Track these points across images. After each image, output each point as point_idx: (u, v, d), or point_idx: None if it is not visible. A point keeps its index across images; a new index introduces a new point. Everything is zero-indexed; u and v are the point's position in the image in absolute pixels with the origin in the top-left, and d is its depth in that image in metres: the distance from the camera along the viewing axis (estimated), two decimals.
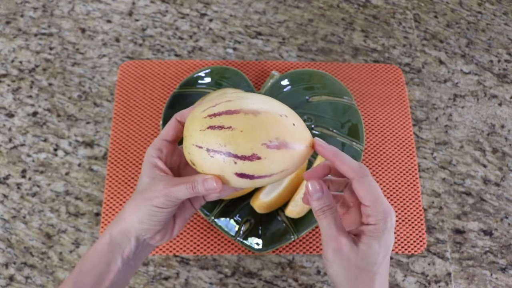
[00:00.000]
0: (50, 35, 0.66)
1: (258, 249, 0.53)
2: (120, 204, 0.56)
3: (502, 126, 0.64)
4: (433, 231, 0.57)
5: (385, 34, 0.69)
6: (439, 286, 0.54)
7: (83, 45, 0.65)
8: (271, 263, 0.54)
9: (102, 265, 0.36)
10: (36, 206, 0.56)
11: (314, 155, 0.57)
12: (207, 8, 0.69)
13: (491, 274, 0.55)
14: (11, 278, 0.52)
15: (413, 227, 0.57)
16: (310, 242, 0.55)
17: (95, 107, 0.61)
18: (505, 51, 0.69)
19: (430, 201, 0.59)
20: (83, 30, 0.66)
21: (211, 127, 0.32)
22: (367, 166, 0.60)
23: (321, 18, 0.70)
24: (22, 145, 0.59)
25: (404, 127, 0.63)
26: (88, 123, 0.60)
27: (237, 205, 0.55)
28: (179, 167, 0.39)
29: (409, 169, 0.60)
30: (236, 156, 0.31)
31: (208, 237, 0.55)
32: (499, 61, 0.69)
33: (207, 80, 0.60)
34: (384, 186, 0.59)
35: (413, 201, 0.58)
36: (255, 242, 0.53)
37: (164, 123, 0.56)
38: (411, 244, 0.56)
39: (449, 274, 0.55)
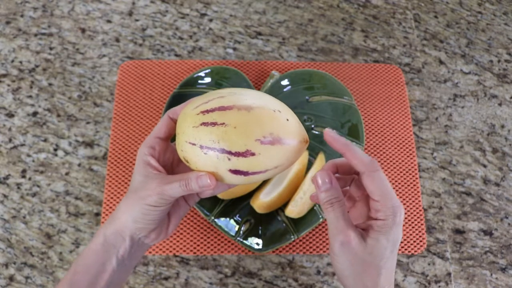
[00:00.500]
0: (50, 35, 0.66)
1: (258, 249, 0.53)
2: None
3: (502, 126, 0.64)
4: (433, 231, 0.57)
5: (385, 34, 0.69)
6: (439, 286, 0.54)
7: (83, 45, 0.65)
8: (271, 263, 0.54)
9: (97, 265, 0.36)
10: (36, 206, 0.56)
11: (314, 155, 0.57)
12: (207, 8, 0.69)
13: (491, 274, 0.55)
14: (11, 278, 0.52)
15: (413, 227, 0.57)
16: (310, 242, 0.55)
17: (95, 107, 0.61)
18: (505, 51, 0.69)
19: (430, 201, 0.59)
20: (83, 30, 0.66)
21: (204, 124, 0.31)
22: None
23: (321, 18, 0.70)
24: (22, 145, 0.59)
25: (404, 127, 0.63)
26: (88, 123, 0.60)
27: (237, 205, 0.55)
28: (172, 165, 0.39)
29: (409, 169, 0.60)
30: (230, 153, 0.31)
31: (208, 237, 0.55)
32: (499, 61, 0.69)
33: (207, 80, 0.60)
34: None
35: (413, 201, 0.58)
36: (255, 242, 0.53)
37: None
38: (411, 244, 0.56)
39: (449, 274, 0.55)
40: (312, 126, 0.59)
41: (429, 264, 0.55)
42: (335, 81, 0.60)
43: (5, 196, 0.56)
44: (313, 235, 0.56)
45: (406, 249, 0.56)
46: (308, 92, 0.61)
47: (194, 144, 0.32)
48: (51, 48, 0.65)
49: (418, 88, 0.66)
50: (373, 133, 0.62)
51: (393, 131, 0.62)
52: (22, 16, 0.67)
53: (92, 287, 0.35)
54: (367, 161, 0.34)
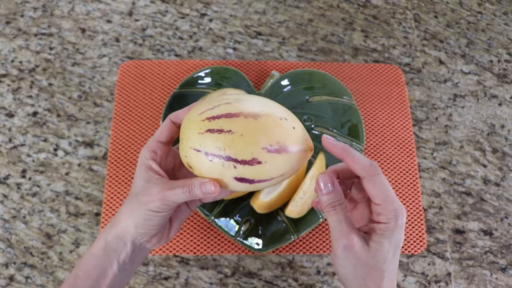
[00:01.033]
0: (50, 35, 0.66)
1: (258, 249, 0.53)
2: (120, 204, 0.56)
3: (502, 126, 0.64)
4: (433, 231, 0.57)
5: (385, 34, 0.69)
6: (439, 286, 0.54)
7: (83, 45, 0.65)
8: (271, 263, 0.54)
9: (98, 270, 0.35)
10: (36, 206, 0.56)
11: (314, 155, 0.57)
12: (207, 8, 0.69)
13: (491, 274, 0.55)
14: (11, 278, 0.52)
15: (413, 227, 0.57)
16: (310, 242, 0.55)
17: (95, 107, 0.61)
18: (505, 51, 0.69)
19: (430, 201, 0.59)
20: (83, 30, 0.66)
21: (210, 131, 0.31)
22: None
23: (321, 18, 0.70)
24: (22, 145, 0.59)
25: (404, 127, 0.63)
26: (88, 123, 0.60)
27: (237, 205, 0.55)
28: (174, 169, 0.39)
29: (409, 169, 0.60)
30: (236, 161, 0.31)
31: (208, 237, 0.55)
32: (499, 61, 0.69)
33: (207, 80, 0.60)
34: None
35: (413, 201, 0.58)
36: (255, 242, 0.53)
37: None
38: (411, 244, 0.56)
39: (449, 274, 0.55)
40: (312, 126, 0.59)
41: (429, 264, 0.55)
42: (335, 81, 0.60)
43: (5, 196, 0.56)
44: (313, 235, 0.56)
45: (406, 249, 0.56)
46: (308, 92, 0.61)
47: (199, 151, 0.31)
48: (51, 48, 0.65)
49: (418, 88, 0.66)
50: (373, 133, 0.62)
51: (393, 131, 0.62)
52: (22, 16, 0.67)
53: None
54: (367, 165, 0.33)
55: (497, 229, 0.58)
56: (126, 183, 0.57)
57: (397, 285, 0.54)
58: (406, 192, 0.59)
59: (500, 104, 0.66)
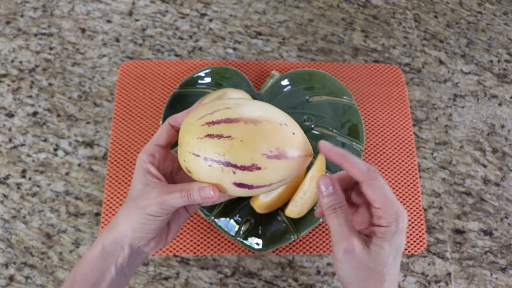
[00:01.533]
0: (50, 35, 0.66)
1: (258, 249, 0.53)
2: (120, 204, 0.56)
3: (502, 126, 0.64)
4: (433, 231, 0.57)
5: (385, 34, 0.69)
6: (439, 286, 0.54)
7: (83, 45, 0.65)
8: (271, 263, 0.54)
9: (96, 274, 0.35)
10: (36, 206, 0.56)
11: (314, 155, 0.57)
12: (207, 8, 0.69)
13: (491, 274, 0.55)
14: (11, 278, 0.52)
15: (413, 227, 0.57)
16: (310, 242, 0.55)
17: (95, 107, 0.61)
18: (505, 51, 0.69)
19: (430, 201, 0.59)
20: (83, 30, 0.66)
21: (209, 136, 0.31)
22: None
23: (321, 18, 0.70)
24: (22, 145, 0.59)
25: (404, 127, 0.63)
26: (88, 123, 0.60)
27: (237, 205, 0.55)
28: (172, 172, 0.38)
29: (409, 169, 0.60)
30: (235, 166, 0.31)
31: (208, 237, 0.55)
32: (499, 61, 0.69)
33: (207, 80, 0.60)
34: None
35: (413, 201, 0.58)
36: (255, 242, 0.53)
37: None
38: (411, 244, 0.56)
39: (449, 274, 0.55)
40: (312, 126, 0.59)
41: (429, 264, 0.55)
42: (335, 81, 0.60)
43: (5, 196, 0.56)
44: (313, 235, 0.56)
45: (406, 249, 0.56)
46: (308, 92, 0.61)
47: (198, 156, 0.31)
48: (51, 48, 0.65)
49: (418, 88, 0.66)
50: (373, 133, 0.62)
51: (393, 131, 0.62)
52: (22, 16, 0.67)
53: None
54: (365, 169, 0.33)
55: (497, 229, 0.58)
56: (126, 183, 0.57)
57: (398, 285, 0.54)
58: (406, 192, 0.59)
59: (500, 104, 0.66)
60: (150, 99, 0.62)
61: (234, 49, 0.66)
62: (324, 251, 0.55)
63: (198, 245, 0.55)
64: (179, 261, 0.54)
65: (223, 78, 0.60)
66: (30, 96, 0.61)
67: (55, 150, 0.59)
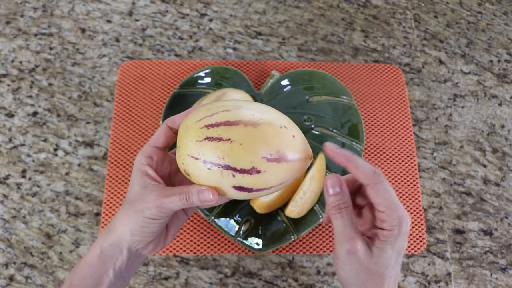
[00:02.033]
0: (50, 35, 0.66)
1: (258, 249, 0.53)
2: (120, 204, 0.56)
3: (502, 126, 0.64)
4: (433, 231, 0.57)
5: (385, 34, 0.69)
6: (439, 286, 0.54)
7: (83, 45, 0.65)
8: (271, 263, 0.54)
9: (94, 278, 0.35)
10: (36, 206, 0.56)
11: (314, 155, 0.57)
12: (207, 8, 0.69)
13: (491, 274, 0.55)
14: (11, 278, 0.52)
15: (413, 227, 0.57)
16: (310, 242, 0.55)
17: (95, 107, 0.61)
18: (505, 51, 0.69)
19: (430, 201, 0.59)
20: (83, 30, 0.66)
21: (208, 138, 0.31)
22: None
23: (321, 18, 0.70)
24: (22, 145, 0.59)
25: (404, 127, 0.63)
26: (88, 123, 0.60)
27: (237, 205, 0.55)
28: (170, 174, 0.38)
29: (409, 169, 0.60)
30: (234, 169, 0.30)
31: (208, 237, 0.55)
32: (499, 61, 0.69)
33: (207, 80, 0.60)
34: None
35: (413, 201, 0.58)
36: (255, 242, 0.53)
37: None
38: (411, 244, 0.56)
39: (449, 274, 0.55)
40: (312, 126, 0.59)
41: (429, 264, 0.55)
42: (335, 81, 0.60)
43: (5, 196, 0.56)
44: (313, 235, 0.56)
45: (406, 249, 0.56)
46: (308, 92, 0.61)
47: (197, 159, 0.31)
48: (51, 48, 0.65)
49: (418, 88, 0.66)
50: (373, 133, 0.62)
51: (393, 131, 0.62)
52: (22, 16, 0.67)
53: None
54: (370, 172, 0.33)
55: (497, 229, 0.58)
56: (126, 183, 0.57)
57: (397, 285, 0.54)
58: (406, 192, 0.59)
59: (500, 104, 0.66)
60: (150, 99, 0.62)
61: (234, 49, 0.66)
62: (324, 251, 0.55)
63: (198, 245, 0.55)
64: (179, 261, 0.54)
65: (223, 78, 0.60)
66: (30, 96, 0.61)
67: (55, 150, 0.59)
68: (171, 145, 0.37)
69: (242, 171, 0.31)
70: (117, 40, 0.66)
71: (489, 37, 0.70)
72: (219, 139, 0.30)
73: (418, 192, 0.59)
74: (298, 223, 0.54)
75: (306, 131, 0.59)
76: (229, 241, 0.55)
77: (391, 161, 0.60)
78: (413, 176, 0.60)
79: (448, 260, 0.56)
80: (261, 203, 0.53)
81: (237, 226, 0.54)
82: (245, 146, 0.30)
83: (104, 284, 0.35)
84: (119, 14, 0.68)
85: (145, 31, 0.67)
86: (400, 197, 0.58)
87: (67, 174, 0.57)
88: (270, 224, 0.54)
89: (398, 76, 0.66)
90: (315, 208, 0.54)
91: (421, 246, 0.56)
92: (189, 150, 0.31)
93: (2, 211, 0.55)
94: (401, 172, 0.60)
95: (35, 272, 0.52)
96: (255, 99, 0.59)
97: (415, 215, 0.58)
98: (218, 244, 0.55)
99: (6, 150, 0.58)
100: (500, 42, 0.70)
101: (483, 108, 0.65)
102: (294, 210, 0.53)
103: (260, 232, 0.54)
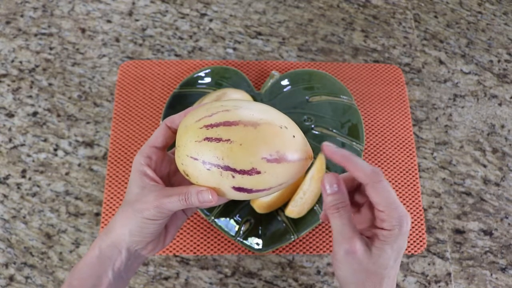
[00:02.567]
0: (50, 35, 0.66)
1: (258, 249, 0.53)
2: (120, 204, 0.56)
3: (502, 126, 0.64)
4: (433, 231, 0.57)
5: (385, 34, 0.69)
6: (439, 286, 0.54)
7: (83, 45, 0.65)
8: (271, 263, 0.54)
9: (93, 278, 0.35)
10: (36, 206, 0.56)
11: (314, 155, 0.57)
12: (207, 8, 0.69)
13: (491, 274, 0.55)
14: (11, 278, 0.52)
15: (413, 227, 0.57)
16: (310, 242, 0.55)
17: (95, 107, 0.61)
18: (505, 51, 0.69)
19: (430, 201, 0.59)
20: (83, 30, 0.66)
21: (207, 139, 0.30)
22: None
23: (321, 18, 0.70)
24: (22, 145, 0.59)
25: (404, 127, 0.63)
26: (88, 123, 0.60)
27: (237, 205, 0.55)
28: (169, 174, 0.38)
29: (409, 169, 0.60)
30: (234, 170, 0.30)
31: (208, 237, 0.55)
32: (499, 61, 0.69)
33: (207, 80, 0.60)
34: None
35: (413, 201, 0.58)
36: (255, 242, 0.53)
37: None
38: (411, 244, 0.56)
39: (449, 274, 0.55)
40: (312, 126, 0.59)
41: (429, 264, 0.55)
42: (335, 81, 0.60)
43: (5, 196, 0.56)
44: (313, 235, 0.56)
45: (406, 249, 0.56)
46: (308, 92, 0.61)
47: (196, 159, 0.31)
48: (51, 48, 0.65)
49: (418, 88, 0.66)
50: (373, 133, 0.62)
51: (393, 131, 0.62)
52: (22, 16, 0.67)
53: None
54: (369, 171, 0.33)
55: (497, 229, 0.58)
56: (126, 183, 0.57)
57: (397, 285, 0.54)
58: (406, 192, 0.59)
59: (500, 104, 0.66)
60: (150, 99, 0.62)
61: (234, 49, 0.66)
62: (324, 251, 0.55)
63: (198, 245, 0.55)
64: (179, 261, 0.54)
65: (223, 78, 0.60)
66: (30, 96, 0.61)
67: (55, 150, 0.59)
68: (170, 145, 0.37)
69: (242, 172, 0.30)
70: (117, 40, 0.66)
71: (489, 37, 0.70)
72: (219, 140, 0.30)
73: (418, 192, 0.59)
74: (298, 223, 0.54)
75: (306, 131, 0.59)
76: (229, 241, 0.55)
77: (391, 161, 0.60)
78: (413, 176, 0.60)
79: (448, 260, 0.56)
80: (261, 203, 0.53)
81: (237, 226, 0.54)
82: (244, 146, 0.30)
83: (103, 285, 0.35)
84: (119, 14, 0.68)
85: (145, 31, 0.67)
86: (400, 197, 0.58)
87: (67, 174, 0.57)
88: (270, 224, 0.54)
89: (398, 76, 0.66)
90: (315, 208, 0.54)
91: (421, 246, 0.56)
92: (188, 150, 0.31)
93: (2, 211, 0.55)
94: (401, 172, 0.60)
95: (35, 272, 0.52)
96: (255, 99, 0.59)
97: (415, 215, 0.58)
98: (218, 244, 0.55)
99: (6, 150, 0.58)
100: (500, 42, 0.70)
101: (483, 108, 0.65)
102: (294, 210, 0.53)
103: (260, 232, 0.54)
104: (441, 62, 0.68)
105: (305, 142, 0.34)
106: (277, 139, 0.31)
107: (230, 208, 0.54)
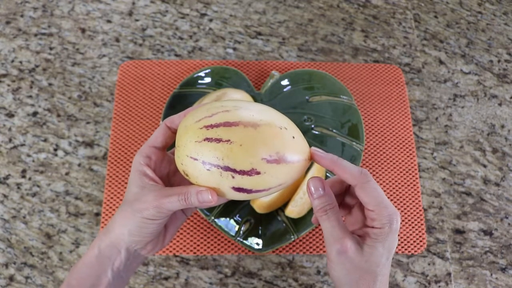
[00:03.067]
0: (50, 35, 0.66)
1: (258, 249, 0.53)
2: (120, 204, 0.56)
3: (502, 126, 0.64)
4: (433, 231, 0.57)
5: (385, 34, 0.69)
6: (439, 286, 0.54)
7: (83, 45, 0.65)
8: (271, 263, 0.54)
9: (92, 278, 0.35)
10: (36, 206, 0.56)
11: None
12: (207, 8, 0.69)
13: (491, 274, 0.55)
14: (11, 278, 0.52)
15: (413, 227, 0.57)
16: (310, 242, 0.55)
17: (95, 107, 0.61)
18: (505, 51, 0.69)
19: (430, 201, 0.59)
20: (83, 30, 0.66)
21: (207, 139, 0.31)
22: (367, 166, 0.60)
23: (321, 18, 0.70)
24: (22, 145, 0.59)
25: (404, 127, 0.63)
26: (88, 123, 0.60)
27: (237, 205, 0.55)
28: (168, 174, 0.38)
29: (409, 169, 0.60)
30: (234, 171, 0.30)
31: (208, 237, 0.55)
32: (499, 61, 0.69)
33: (207, 80, 0.60)
34: (384, 186, 0.59)
35: (413, 201, 0.58)
36: (255, 242, 0.53)
37: None
38: (411, 244, 0.56)
39: (449, 274, 0.55)
40: (312, 126, 0.59)
41: (429, 264, 0.55)
42: (335, 81, 0.60)
43: (5, 196, 0.56)
44: (313, 235, 0.56)
45: (406, 249, 0.56)
46: (308, 92, 0.61)
47: (196, 159, 0.31)
48: (51, 48, 0.65)
49: (418, 88, 0.66)
50: (373, 133, 0.62)
51: (393, 131, 0.62)
52: (22, 16, 0.67)
53: None
54: (357, 173, 0.33)
55: (497, 229, 0.58)
56: (126, 183, 0.57)
57: (397, 285, 0.54)
58: (406, 192, 0.59)
59: (500, 104, 0.66)
60: (150, 99, 0.62)
61: (234, 49, 0.66)
62: (324, 251, 0.55)
63: (198, 245, 0.55)
64: (179, 261, 0.54)
65: (223, 78, 0.60)
66: (30, 96, 0.61)
67: (55, 150, 0.59)
68: (169, 145, 0.37)
69: (242, 172, 0.30)
70: (117, 40, 0.66)
71: (489, 37, 0.70)
72: (219, 140, 0.30)
73: (418, 192, 0.59)
74: (298, 223, 0.54)
75: (306, 131, 0.59)
76: (229, 241, 0.55)
77: (391, 161, 0.60)
78: (413, 176, 0.60)
79: (448, 260, 0.56)
80: (261, 203, 0.53)
81: (237, 226, 0.54)
82: (244, 147, 0.30)
83: (103, 285, 0.35)
84: (119, 14, 0.68)
85: (145, 31, 0.67)
86: (400, 197, 0.58)
87: (67, 174, 0.57)
88: (270, 224, 0.54)
89: (398, 76, 0.66)
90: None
91: (421, 246, 0.56)
92: (188, 150, 0.31)
93: (2, 211, 0.55)
94: (401, 172, 0.60)
95: (35, 272, 0.52)
96: (255, 99, 0.59)
97: (415, 215, 0.58)
98: (218, 244, 0.55)
99: (6, 150, 0.58)
100: (500, 42, 0.70)
101: (483, 108, 0.65)
102: (294, 210, 0.53)
103: (260, 232, 0.54)
104: (441, 62, 0.68)
105: (305, 143, 0.34)
106: (276, 140, 0.31)
107: (230, 208, 0.54)
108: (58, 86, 0.62)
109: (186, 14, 0.68)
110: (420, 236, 0.56)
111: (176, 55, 0.65)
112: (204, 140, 0.31)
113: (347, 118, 0.59)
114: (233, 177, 0.31)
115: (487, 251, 0.57)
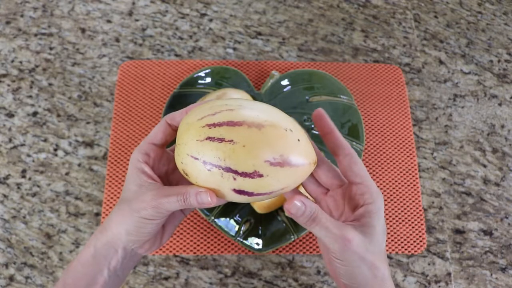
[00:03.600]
0: (50, 35, 0.66)
1: (258, 249, 0.53)
2: None
3: (502, 126, 0.64)
4: (433, 231, 0.57)
5: (385, 34, 0.69)
6: (439, 286, 0.54)
7: (83, 45, 0.65)
8: (271, 263, 0.54)
9: (88, 277, 0.34)
10: (36, 206, 0.56)
11: None
12: (207, 8, 0.69)
13: (491, 274, 0.55)
14: (11, 278, 0.52)
15: (413, 227, 0.57)
16: (310, 242, 0.55)
17: (95, 107, 0.61)
18: (505, 51, 0.69)
19: (430, 201, 0.59)
20: (83, 30, 0.66)
21: (209, 139, 0.30)
22: (367, 166, 0.60)
23: (321, 18, 0.70)
24: (22, 145, 0.59)
25: (404, 127, 0.63)
26: (88, 123, 0.60)
27: (237, 205, 0.55)
28: (167, 173, 0.37)
29: (409, 169, 0.60)
30: (236, 172, 0.29)
31: (208, 237, 0.55)
32: (499, 61, 0.69)
33: (207, 80, 0.60)
34: (384, 186, 0.59)
35: (413, 201, 0.58)
36: (255, 242, 0.53)
37: None
38: (411, 244, 0.56)
39: (449, 274, 0.55)
40: (312, 126, 0.59)
41: (429, 264, 0.55)
42: (335, 81, 0.60)
43: (5, 196, 0.56)
44: (313, 235, 0.56)
45: (406, 249, 0.56)
46: (308, 92, 0.61)
47: (196, 159, 0.30)
48: (51, 48, 0.65)
49: (418, 88, 0.66)
50: (373, 133, 0.62)
51: (393, 131, 0.62)
52: (22, 16, 0.67)
53: None
54: (347, 146, 0.34)
55: (497, 229, 0.58)
56: None
57: (397, 285, 0.54)
58: (406, 192, 0.59)
59: (500, 104, 0.66)
60: (150, 99, 0.62)
61: (234, 49, 0.66)
62: None
63: (198, 245, 0.55)
64: (179, 261, 0.54)
65: (223, 78, 0.60)
66: (30, 96, 0.61)
67: (55, 150, 0.59)
68: (169, 143, 0.36)
69: (244, 174, 0.30)
70: (117, 40, 0.66)
71: (489, 37, 0.70)
72: (221, 140, 0.29)
73: (418, 192, 0.59)
74: (298, 223, 0.54)
75: (306, 131, 0.59)
76: (229, 241, 0.55)
77: (391, 161, 0.60)
78: (413, 176, 0.60)
79: (448, 260, 0.56)
80: (261, 203, 0.53)
81: (237, 226, 0.54)
82: (248, 148, 0.29)
83: (99, 284, 0.34)
84: (119, 14, 0.68)
85: (145, 31, 0.67)
86: (400, 197, 0.58)
87: (67, 174, 0.57)
88: (270, 224, 0.54)
89: (398, 76, 0.66)
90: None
91: (421, 246, 0.56)
92: (189, 149, 0.30)
93: (2, 211, 0.55)
94: (401, 172, 0.60)
95: (35, 272, 0.52)
96: (255, 99, 0.59)
97: (415, 215, 0.58)
98: (218, 244, 0.55)
99: (6, 150, 0.58)
100: (500, 42, 0.70)
101: (483, 108, 0.65)
102: None
103: (260, 232, 0.54)
104: (441, 62, 0.68)
105: (310, 146, 0.33)
106: (281, 142, 0.30)
107: (230, 208, 0.54)
108: (58, 86, 0.62)
109: (186, 14, 0.68)
110: (420, 236, 0.56)
111: (176, 55, 0.65)
112: (206, 139, 0.30)
113: (347, 118, 0.59)
114: (234, 178, 0.30)
115: (487, 251, 0.57)
